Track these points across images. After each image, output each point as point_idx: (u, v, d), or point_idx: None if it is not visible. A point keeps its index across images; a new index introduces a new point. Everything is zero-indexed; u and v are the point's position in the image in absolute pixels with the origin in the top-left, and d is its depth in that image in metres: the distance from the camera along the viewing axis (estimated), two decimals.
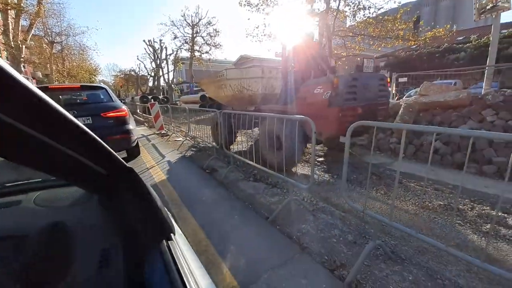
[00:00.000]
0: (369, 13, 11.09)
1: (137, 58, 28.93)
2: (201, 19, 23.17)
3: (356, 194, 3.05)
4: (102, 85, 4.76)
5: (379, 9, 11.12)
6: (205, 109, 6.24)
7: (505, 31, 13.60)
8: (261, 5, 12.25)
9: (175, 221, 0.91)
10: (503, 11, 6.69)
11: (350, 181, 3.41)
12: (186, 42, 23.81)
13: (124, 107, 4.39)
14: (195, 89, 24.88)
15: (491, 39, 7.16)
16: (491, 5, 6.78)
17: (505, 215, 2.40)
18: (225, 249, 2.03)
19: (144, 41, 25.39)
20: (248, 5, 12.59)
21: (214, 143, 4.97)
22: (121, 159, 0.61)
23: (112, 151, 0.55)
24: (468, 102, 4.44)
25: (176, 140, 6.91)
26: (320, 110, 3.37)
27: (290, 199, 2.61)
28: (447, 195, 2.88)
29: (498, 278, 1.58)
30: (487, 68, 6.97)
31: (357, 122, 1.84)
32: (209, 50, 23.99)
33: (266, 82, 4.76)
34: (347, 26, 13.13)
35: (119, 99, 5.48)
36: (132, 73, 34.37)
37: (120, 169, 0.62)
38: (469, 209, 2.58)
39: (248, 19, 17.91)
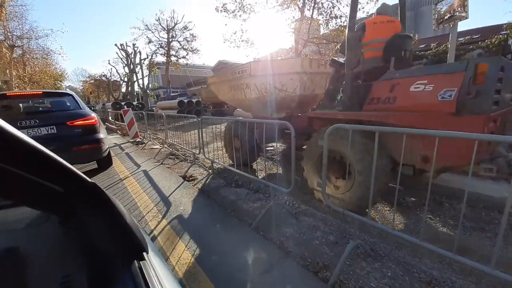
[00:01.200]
0: (341, 21, 11.71)
1: (109, 63, 27.36)
2: (177, 24, 22.74)
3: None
4: (69, 91, 4.43)
5: None
6: (183, 115, 6.06)
7: (462, 38, 15.11)
8: (238, 11, 12.38)
9: (151, 237, 0.84)
10: (460, 20, 7.44)
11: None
12: (161, 47, 23.16)
13: (93, 114, 4.11)
14: (172, 94, 24.22)
15: (449, 46, 7.90)
16: (448, 15, 7.51)
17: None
18: (206, 259, 1.95)
19: (116, 45, 24.23)
20: (224, 11, 12.65)
21: (229, 163, 4.09)
22: (80, 174, 0.55)
23: (68, 165, 0.49)
24: None
25: (152, 148, 6.62)
26: (429, 120, 2.03)
27: (273, 204, 2.59)
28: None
29: (470, 269, 1.69)
30: None
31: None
32: (186, 55, 23.56)
33: (307, 79, 3.54)
34: (321, 33, 13.73)
35: (89, 106, 5.12)
36: (103, 78, 32.53)
37: (80, 185, 0.56)
38: (438, 204, 2.77)
39: (225, 24, 17.98)
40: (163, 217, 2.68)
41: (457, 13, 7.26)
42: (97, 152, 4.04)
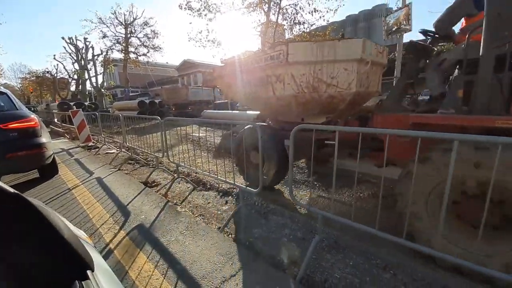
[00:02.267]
0: (304, 28, 12.32)
1: (54, 58, 23.91)
2: (136, 19, 21.22)
3: (304, 193, 3.25)
4: (2, 89, 3.76)
5: (311, 25, 12.49)
6: (144, 117, 5.62)
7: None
8: (203, 10, 12.10)
9: (106, 251, 0.74)
10: (405, 32, 8.48)
11: (299, 182, 3.61)
12: (118, 42, 21.32)
13: (33, 116, 3.56)
14: (131, 94, 22.47)
15: (396, 55, 8.94)
16: (396, 27, 8.52)
17: None
18: (171, 269, 1.82)
19: (63, 38, 21.52)
20: (189, 9, 12.24)
21: (242, 183, 3.19)
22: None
23: None
24: None
25: (108, 152, 6.01)
26: None
27: (242, 205, 2.57)
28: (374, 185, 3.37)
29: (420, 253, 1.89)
30: (395, 78, 8.64)
31: None
32: (147, 52, 22.12)
33: (365, 71, 2.59)
34: (286, 38, 14.25)
35: (28, 107, 4.40)
36: (47, 75, 28.54)
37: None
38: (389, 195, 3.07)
39: (190, 23, 17.22)
40: (120, 228, 2.44)
41: (403, 26, 8.27)
42: (38, 158, 3.50)
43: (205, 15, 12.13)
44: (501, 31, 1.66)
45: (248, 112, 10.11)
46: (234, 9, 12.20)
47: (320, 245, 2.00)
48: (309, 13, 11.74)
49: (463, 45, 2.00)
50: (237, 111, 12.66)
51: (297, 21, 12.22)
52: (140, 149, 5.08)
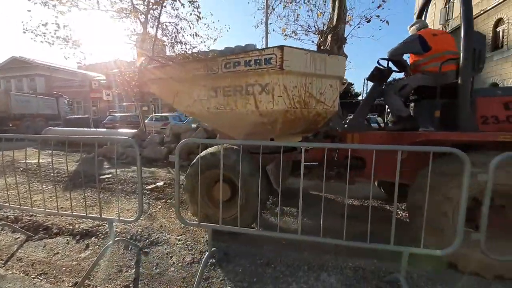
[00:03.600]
0: (186, 48, 12.44)
1: None
2: None
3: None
4: None
5: (194, 48, 12.84)
6: None
7: None
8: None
9: None
10: None
11: None
12: None
13: None
14: None
15: None
16: None
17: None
18: None
19: None
20: None
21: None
22: None
23: None
24: None
25: None
26: None
27: (110, 244, 2.04)
28: None
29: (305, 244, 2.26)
30: None
31: None
32: None
33: (342, 89, 2.63)
34: (166, 54, 13.70)
35: None
36: None
37: None
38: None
39: (29, 10, 12.17)
40: None
41: None
42: None
43: (54, 5, 9.38)
44: (476, 64, 2.16)
45: (121, 130, 8.67)
46: (100, 9, 10.35)
47: (211, 261, 1.95)
48: (191, 35, 12.05)
49: (422, 74, 2.49)
50: (105, 129, 10.54)
51: (178, 40, 12.15)
52: None
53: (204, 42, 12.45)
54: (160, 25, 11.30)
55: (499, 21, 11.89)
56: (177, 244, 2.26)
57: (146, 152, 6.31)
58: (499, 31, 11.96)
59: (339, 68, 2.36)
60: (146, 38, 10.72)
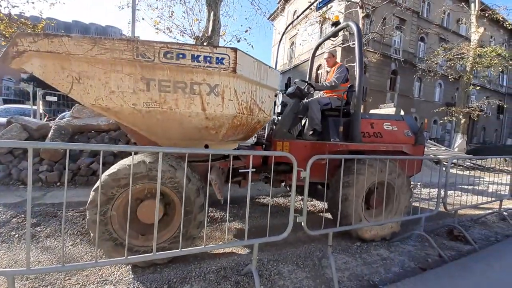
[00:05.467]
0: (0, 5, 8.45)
1: None
2: None
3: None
4: None
5: (14, 7, 8.71)
6: None
7: None
8: None
9: None
10: None
11: None
12: None
13: None
14: None
15: None
16: None
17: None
18: None
19: None
20: None
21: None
22: None
23: None
24: (117, 126, 4.50)
25: None
26: (407, 148, 3.03)
27: None
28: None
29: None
30: None
31: None
32: None
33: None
34: None
35: None
36: None
37: None
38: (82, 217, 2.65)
39: None
40: None
41: None
42: None
43: None
44: (364, 96, 2.95)
45: None
46: None
47: None
48: None
49: (337, 97, 3.16)
50: None
51: None
52: None
53: (33, 2, 8.76)
54: None
55: (319, 67, 17.65)
56: None
57: None
58: (319, 73, 18.17)
59: (276, 81, 2.59)
60: None
